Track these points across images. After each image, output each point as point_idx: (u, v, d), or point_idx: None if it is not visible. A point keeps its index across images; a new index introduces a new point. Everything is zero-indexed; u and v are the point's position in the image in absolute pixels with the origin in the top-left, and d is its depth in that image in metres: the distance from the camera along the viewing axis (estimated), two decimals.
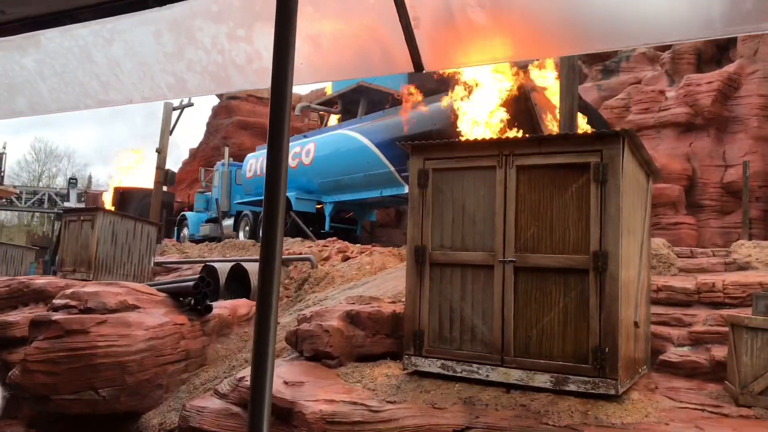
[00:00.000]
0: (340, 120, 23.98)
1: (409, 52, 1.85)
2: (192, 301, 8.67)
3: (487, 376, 5.34)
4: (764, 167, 15.60)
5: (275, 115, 1.48)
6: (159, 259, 15.08)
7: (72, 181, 28.15)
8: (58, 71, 2.12)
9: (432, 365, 5.61)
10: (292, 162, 17.09)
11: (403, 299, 6.73)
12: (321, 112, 25.69)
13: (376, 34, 1.89)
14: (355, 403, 5.18)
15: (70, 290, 8.20)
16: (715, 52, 19.85)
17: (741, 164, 14.74)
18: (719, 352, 5.85)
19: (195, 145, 36.35)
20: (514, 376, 5.23)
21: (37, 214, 50.24)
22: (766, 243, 8.83)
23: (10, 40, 1.94)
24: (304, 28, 1.62)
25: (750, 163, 14.65)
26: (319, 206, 17.08)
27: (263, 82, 1.89)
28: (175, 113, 21.58)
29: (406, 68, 1.90)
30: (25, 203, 40.37)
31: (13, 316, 10.39)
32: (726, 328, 5.48)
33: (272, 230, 1.43)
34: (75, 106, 2.23)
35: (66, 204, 30.04)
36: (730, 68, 17.12)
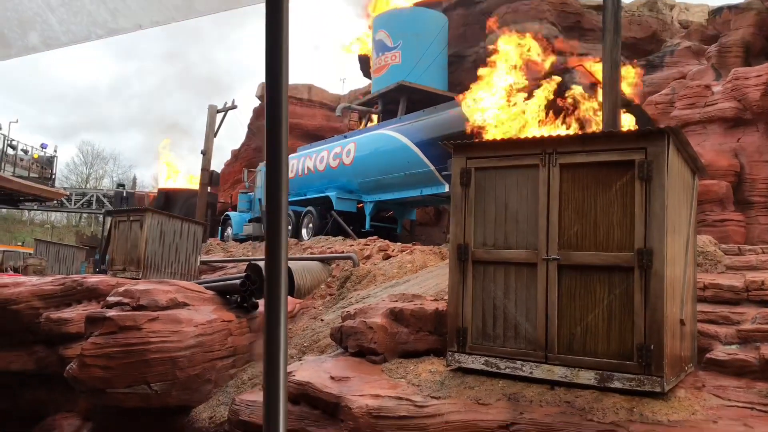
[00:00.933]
0: (380, 120, 24.16)
1: None
2: (238, 299, 8.91)
3: (531, 373, 5.38)
4: None
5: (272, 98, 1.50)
6: (205, 257, 15.47)
7: (119, 188, 28.92)
8: (66, 1, 2.06)
9: (475, 362, 5.67)
10: (332, 162, 17.31)
11: (446, 297, 6.80)
12: (361, 113, 25.90)
13: None
14: (400, 398, 5.28)
15: (123, 288, 8.52)
16: (765, 45, 19.31)
17: None
18: None
19: (237, 146, 37.00)
20: (558, 373, 5.26)
21: (85, 215, 51.83)
22: None
23: None
24: None
25: None
26: (359, 205, 17.26)
27: None
28: (219, 115, 22.04)
29: None
30: (75, 204, 41.74)
31: (68, 313, 10.82)
32: None
33: (276, 230, 1.44)
34: (86, 36, 2.17)
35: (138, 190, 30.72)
36: None
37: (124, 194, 25.27)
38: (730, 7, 20.46)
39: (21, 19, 2.13)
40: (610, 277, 5.15)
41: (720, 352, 6.13)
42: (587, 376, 5.12)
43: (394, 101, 23.03)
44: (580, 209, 5.33)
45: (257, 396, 6.37)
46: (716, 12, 21.38)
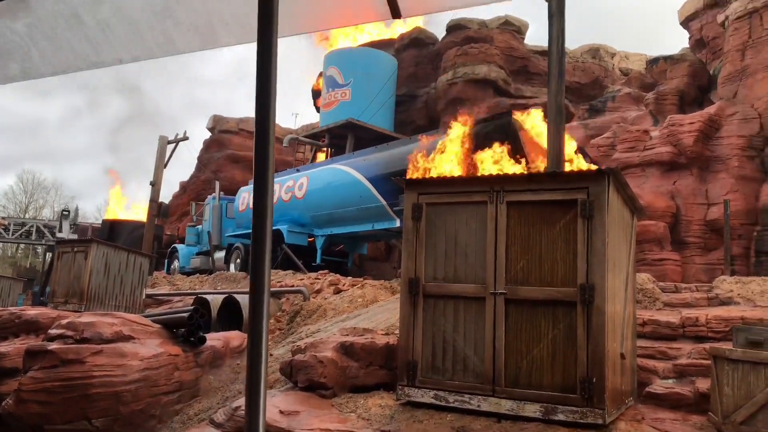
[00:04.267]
0: (329, 154, 24.36)
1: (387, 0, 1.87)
2: (186, 333, 8.75)
3: (479, 406, 5.48)
4: (745, 206, 15.99)
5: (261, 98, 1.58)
6: (150, 291, 15.12)
7: (65, 213, 27.92)
8: (49, 35, 2.11)
9: (425, 395, 5.74)
10: (285, 195, 17.31)
11: (396, 332, 6.88)
12: (311, 146, 26.05)
13: None
14: None
15: (66, 320, 8.27)
16: (698, 94, 20.47)
17: (722, 202, 15.11)
18: (703, 384, 6.03)
19: (186, 178, 36.51)
20: (505, 406, 5.38)
21: (22, 246, 49.86)
22: (747, 279, 9.10)
23: (0, 5, 1.96)
24: None
25: (731, 202, 15.02)
26: (310, 239, 17.26)
27: (249, 36, 1.89)
28: (170, 147, 21.81)
29: (384, 16, 1.91)
30: (12, 235, 40.14)
31: (4, 347, 10.37)
32: (709, 361, 5.67)
33: (260, 261, 1.45)
34: (66, 68, 2.22)
35: (59, 235, 29.77)
36: (711, 109, 17.65)
37: (70, 224, 24.49)
38: (665, 58, 21.70)
39: (2, 49, 2.17)
40: (554, 312, 5.34)
41: (658, 386, 6.38)
42: (533, 409, 5.25)
43: (342, 137, 23.34)
44: (526, 245, 5.54)
45: (204, 431, 6.25)
46: (653, 62, 22.62)
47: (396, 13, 1.91)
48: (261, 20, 1.53)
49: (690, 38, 24.03)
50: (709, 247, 16.29)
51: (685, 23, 24.10)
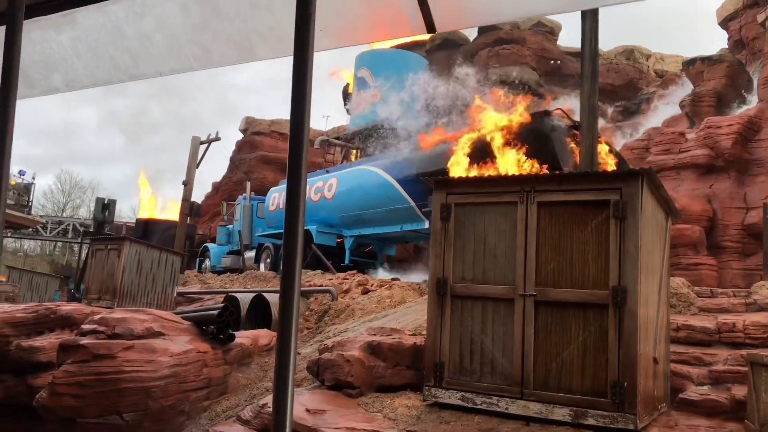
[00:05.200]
0: (359, 155, 24.42)
1: (421, 14, 1.87)
2: (215, 330, 8.83)
3: (507, 408, 5.41)
4: None
5: (296, 117, 1.58)
6: (181, 289, 15.32)
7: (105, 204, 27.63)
8: (92, 47, 2.18)
9: (452, 397, 5.69)
10: (314, 196, 17.39)
11: (424, 332, 6.84)
12: (341, 148, 26.13)
13: None
14: None
15: (98, 316, 8.41)
16: (736, 96, 20.00)
17: (762, 206, 14.70)
18: (739, 391, 5.85)
19: (218, 178, 36.97)
20: (534, 409, 5.29)
21: (59, 243, 51.06)
22: None
23: (48, 18, 2.02)
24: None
25: None
26: (339, 240, 17.29)
27: (285, 50, 1.91)
28: (202, 147, 22.11)
29: (418, 30, 1.92)
30: (50, 233, 41.15)
31: (39, 342, 10.60)
32: (746, 368, 5.51)
33: (292, 260, 1.44)
34: (108, 80, 2.30)
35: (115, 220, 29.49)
36: (750, 111, 17.23)
37: (105, 215, 24.55)
38: (703, 59, 21.23)
39: (47, 62, 2.24)
40: (585, 314, 5.25)
41: (692, 392, 6.22)
42: (562, 413, 5.16)
43: (370, 137, 23.37)
44: (557, 246, 5.45)
45: (231, 428, 6.30)
46: (690, 63, 22.15)
47: (431, 28, 1.91)
48: (298, 34, 1.54)
49: (729, 39, 23.49)
50: (747, 252, 15.88)
51: (724, 23, 23.57)
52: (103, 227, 24.80)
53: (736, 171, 16.70)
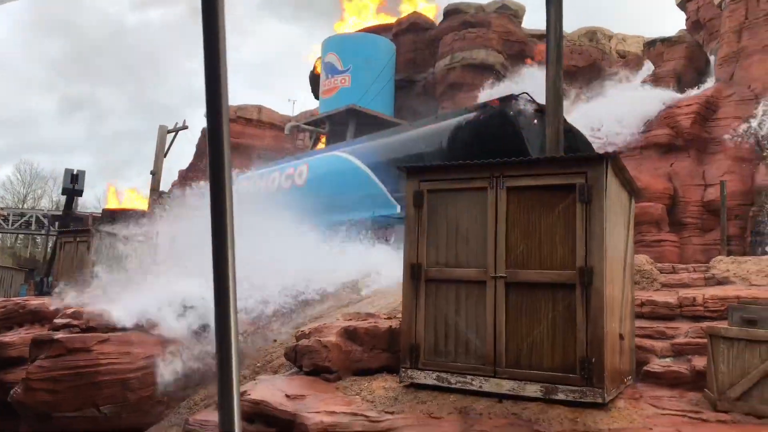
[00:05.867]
0: (328, 141, 24.38)
1: None
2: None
3: (481, 387, 5.60)
4: (742, 186, 16.09)
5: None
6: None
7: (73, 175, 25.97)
8: None
9: (428, 377, 5.86)
10: (285, 183, 17.38)
11: (399, 315, 6.99)
12: (311, 133, 26.04)
13: None
14: (355, 414, 5.42)
15: (71, 309, 8.39)
16: (694, 75, 20.50)
17: (719, 184, 15.21)
18: (699, 362, 6.15)
19: (185, 166, 36.50)
20: (506, 386, 5.50)
21: (21, 236, 49.91)
22: (743, 259, 9.21)
23: None
24: None
25: (728, 183, 15.12)
26: None
27: None
28: (170, 136, 21.83)
29: None
30: (12, 225, 40.23)
31: (9, 337, 10.50)
32: (705, 340, 5.79)
33: (222, 242, 1.31)
34: None
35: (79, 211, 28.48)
36: (707, 91, 17.70)
37: (74, 187, 23.55)
38: (663, 40, 21.68)
39: None
40: (554, 294, 5.45)
41: (656, 364, 6.51)
42: (533, 389, 5.37)
43: (343, 123, 23.34)
44: (526, 229, 5.63)
45: (211, 415, 6.39)
46: (651, 44, 22.59)
47: None
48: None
49: (687, 20, 23.98)
50: (706, 228, 16.42)
51: (682, 4, 24.04)
52: (73, 198, 24.11)
53: (695, 150, 17.19)
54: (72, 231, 14.91)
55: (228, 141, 1.37)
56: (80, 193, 24.56)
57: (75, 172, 23.73)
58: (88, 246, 12.63)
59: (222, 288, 1.36)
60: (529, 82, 18.97)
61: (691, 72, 20.35)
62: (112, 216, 26.16)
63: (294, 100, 58.90)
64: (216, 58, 1.35)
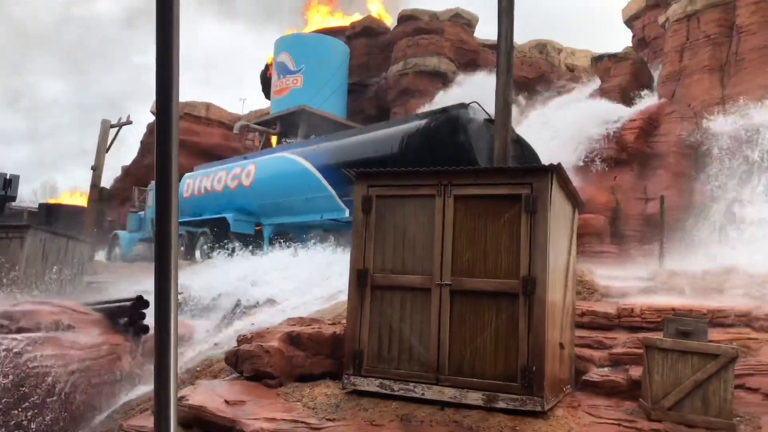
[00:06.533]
0: (279, 141, 24.12)
1: None
2: (128, 322, 8.59)
3: (423, 394, 5.59)
4: (680, 201, 16.69)
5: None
6: (90, 278, 14.71)
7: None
8: None
9: (370, 384, 5.82)
10: (231, 183, 17.08)
11: (343, 321, 6.93)
12: (260, 133, 25.71)
13: None
14: (295, 421, 5.32)
15: (1, 309, 8.00)
16: (639, 91, 21.17)
17: (659, 198, 15.71)
18: (636, 372, 6.30)
19: (128, 162, 35.53)
20: (448, 394, 5.51)
21: None
22: (679, 271, 9.53)
23: None
24: None
25: (667, 197, 15.64)
26: (257, 228, 17.10)
27: None
28: (113, 131, 21.19)
29: None
30: None
31: None
32: (642, 350, 5.94)
33: (165, 247, 1.34)
34: None
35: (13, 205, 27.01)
36: (651, 108, 18.31)
37: (7, 192, 22.44)
38: (610, 56, 22.32)
39: None
40: (498, 303, 5.49)
41: (594, 374, 6.64)
42: (475, 397, 5.40)
43: (294, 124, 23.16)
44: (472, 238, 5.66)
45: (146, 421, 6.18)
46: (598, 59, 23.24)
47: None
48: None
49: (633, 37, 24.80)
50: (646, 240, 16.94)
51: (629, 22, 24.86)
52: (4, 205, 23.15)
53: (638, 164, 17.75)
54: (4, 227, 14.25)
55: (177, 138, 1.36)
56: (13, 198, 23.71)
57: (8, 177, 22.73)
58: (21, 243, 12.09)
59: (163, 288, 1.31)
60: (480, 91, 19.22)
61: (636, 87, 21.00)
62: (49, 211, 25.23)
63: (244, 99, 58.20)
64: (169, 53, 1.38)
